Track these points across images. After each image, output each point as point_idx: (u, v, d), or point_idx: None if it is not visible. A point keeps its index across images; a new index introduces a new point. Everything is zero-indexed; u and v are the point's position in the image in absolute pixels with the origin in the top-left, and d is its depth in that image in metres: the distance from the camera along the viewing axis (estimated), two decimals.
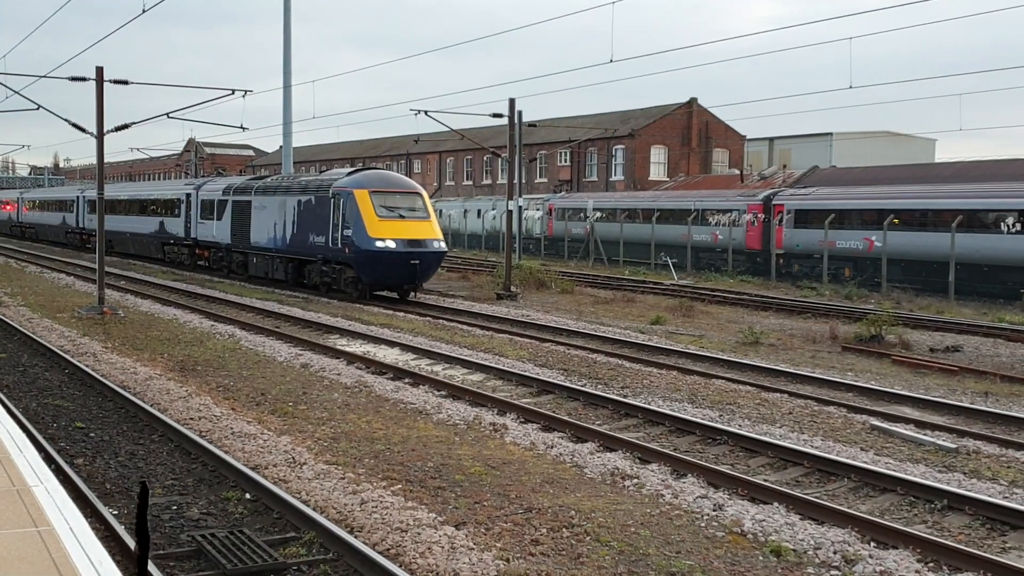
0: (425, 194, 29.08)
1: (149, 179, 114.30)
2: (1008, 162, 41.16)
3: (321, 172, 32.58)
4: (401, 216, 27.48)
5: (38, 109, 26.08)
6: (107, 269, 27.40)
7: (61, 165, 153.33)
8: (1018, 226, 30.26)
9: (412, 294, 28.38)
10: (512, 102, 32.41)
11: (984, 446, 11.93)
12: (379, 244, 26.72)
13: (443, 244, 28.32)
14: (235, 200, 34.96)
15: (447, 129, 33.16)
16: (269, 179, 34.92)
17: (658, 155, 67.40)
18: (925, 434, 12.45)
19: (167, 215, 41.86)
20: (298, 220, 30.29)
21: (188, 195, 39.42)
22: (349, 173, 29.42)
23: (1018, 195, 31.04)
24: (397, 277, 27.51)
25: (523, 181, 57.82)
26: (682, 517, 9.13)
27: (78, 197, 55.01)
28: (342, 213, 27.71)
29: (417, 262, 27.10)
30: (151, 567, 6.93)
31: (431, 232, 27.82)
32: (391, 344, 19.65)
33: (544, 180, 71.48)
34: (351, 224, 27.29)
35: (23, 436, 7.55)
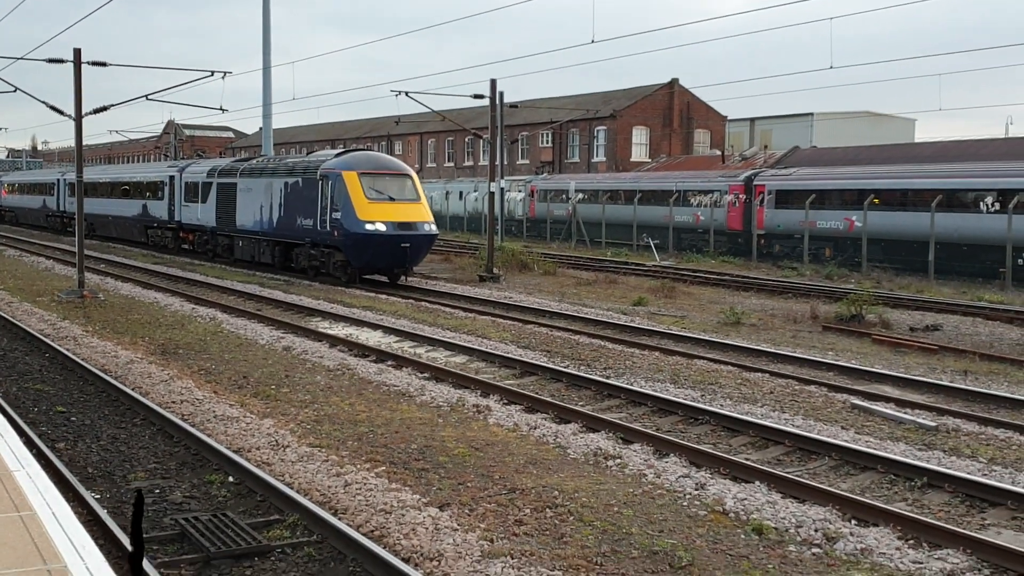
0: (415, 176, 28.60)
1: (129, 161, 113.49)
2: (987, 142, 41.38)
3: (308, 154, 32.19)
4: (391, 198, 26.99)
5: (15, 91, 25.85)
6: (87, 252, 27.25)
7: (39, 148, 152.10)
8: (997, 205, 30.43)
9: (402, 278, 28.00)
10: (493, 83, 32.33)
11: (964, 424, 12.03)
12: (369, 227, 26.21)
13: (434, 227, 27.84)
14: (220, 182, 34.34)
15: (428, 110, 33.06)
16: (255, 161, 34.31)
17: (640, 136, 67.38)
18: (905, 413, 12.54)
19: (150, 198, 41.22)
20: (285, 203, 29.77)
21: (172, 177, 38.75)
22: (338, 155, 28.88)
23: (997, 175, 31.21)
24: (387, 260, 27.04)
25: (505, 163, 57.68)
26: (664, 496, 9.18)
27: (59, 180, 54.28)
28: (330, 195, 27.20)
29: (408, 245, 26.64)
30: (146, 566, 6.92)
31: (422, 214, 27.34)
32: (374, 327, 19.63)
33: (526, 162, 71.39)
34: (340, 206, 26.78)
35: (3, 421, 7.51)
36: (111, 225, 46.94)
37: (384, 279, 28.15)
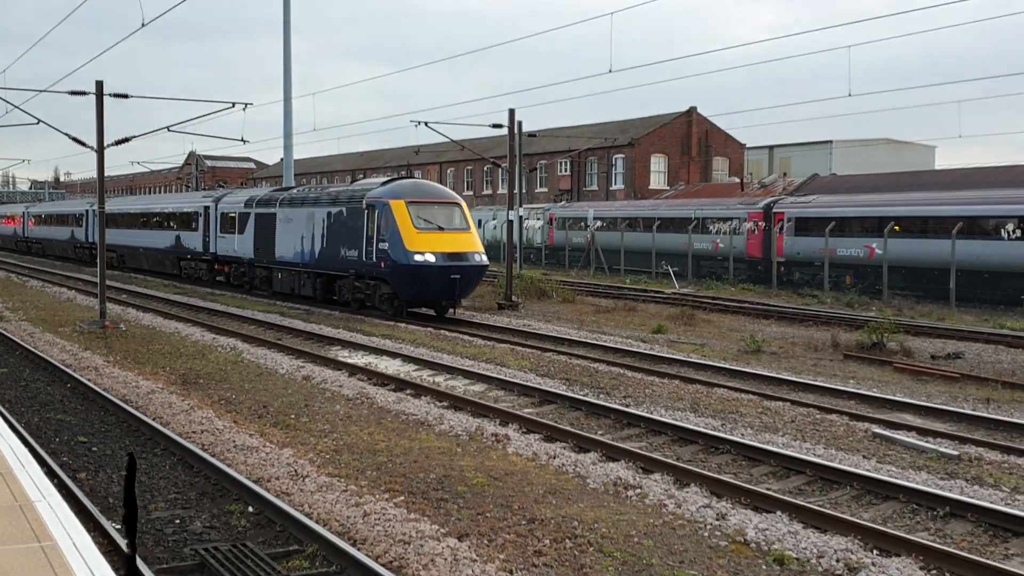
0: (464, 204, 27.44)
1: (151, 192, 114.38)
2: (1008, 168, 41.19)
3: (351, 182, 31.05)
4: (440, 228, 25.90)
5: (38, 123, 26.15)
6: (108, 283, 27.43)
7: (61, 179, 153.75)
8: (1018, 232, 30.26)
9: (450, 311, 26.86)
10: (512, 112, 32.47)
11: (986, 453, 11.92)
12: (418, 258, 25.04)
13: (484, 258, 26.57)
14: (258, 213, 33.27)
15: (447, 140, 33.22)
16: (295, 190, 33.24)
17: (658, 164, 67.46)
18: (927, 441, 12.44)
19: (184, 229, 40.27)
20: (328, 233, 28.67)
21: (207, 208, 37.83)
22: (384, 183, 27.69)
23: (1018, 202, 31.05)
24: (436, 293, 25.88)
25: (523, 191, 57.89)
26: (685, 527, 9.13)
27: (87, 211, 53.25)
28: (377, 225, 26.15)
29: (458, 277, 25.51)
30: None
31: (472, 245, 26.20)
32: (392, 355, 19.65)
33: (544, 190, 71.54)
34: (387, 237, 25.69)
35: (25, 451, 7.56)
36: (142, 257, 46.10)
37: (431, 312, 27.09)
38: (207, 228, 37.84)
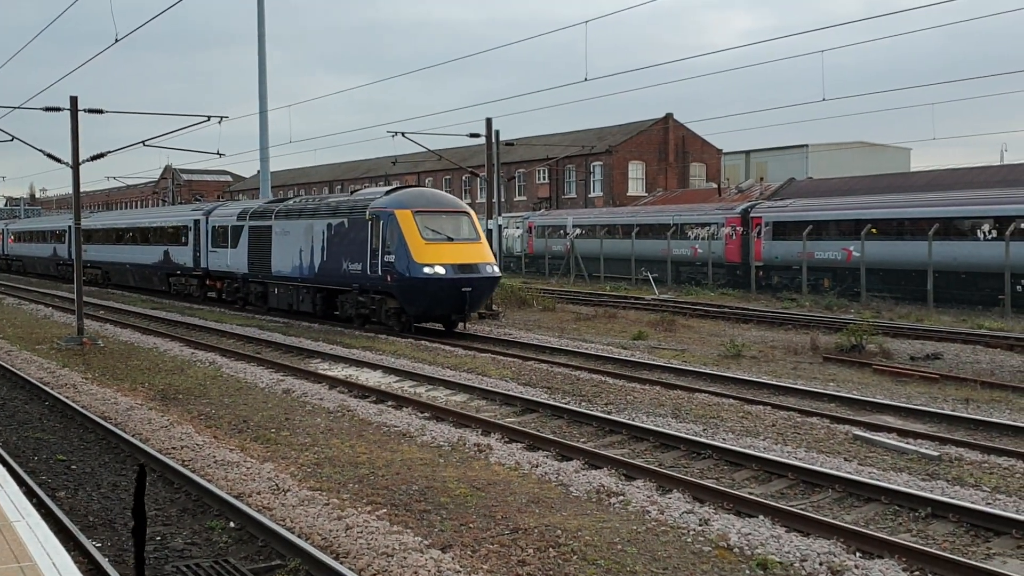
0: (472, 213, 26.22)
1: (128, 207, 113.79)
2: (982, 169, 41.58)
3: (352, 192, 29.50)
4: (449, 238, 24.63)
5: (12, 140, 25.98)
6: (86, 299, 27.25)
7: (37, 195, 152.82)
8: (994, 233, 30.51)
9: (461, 325, 25.65)
10: (489, 122, 32.54)
11: (966, 453, 11.99)
12: (427, 271, 23.76)
13: (496, 269, 25.38)
14: (253, 225, 31.87)
15: (425, 150, 33.22)
16: (292, 201, 31.85)
17: (636, 171, 67.65)
18: (908, 443, 12.50)
19: (172, 244, 38.93)
20: (328, 246, 27.36)
21: (197, 221, 36.48)
22: (388, 192, 26.46)
23: (993, 202, 31.32)
24: (446, 307, 24.61)
25: (502, 200, 57.88)
26: (668, 533, 9.13)
27: (70, 227, 52.38)
28: (382, 237, 24.82)
29: (469, 289, 24.18)
30: None
31: (483, 256, 24.92)
32: (373, 367, 19.60)
33: (523, 198, 71.62)
34: (393, 249, 24.37)
35: (3, 470, 7.49)
36: (128, 273, 44.64)
37: (439, 327, 26.00)
38: (197, 242, 36.53)
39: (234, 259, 33.29)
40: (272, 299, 30.99)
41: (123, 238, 45.43)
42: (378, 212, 25.27)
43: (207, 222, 35.73)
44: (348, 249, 26.40)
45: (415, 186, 28.94)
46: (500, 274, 25.85)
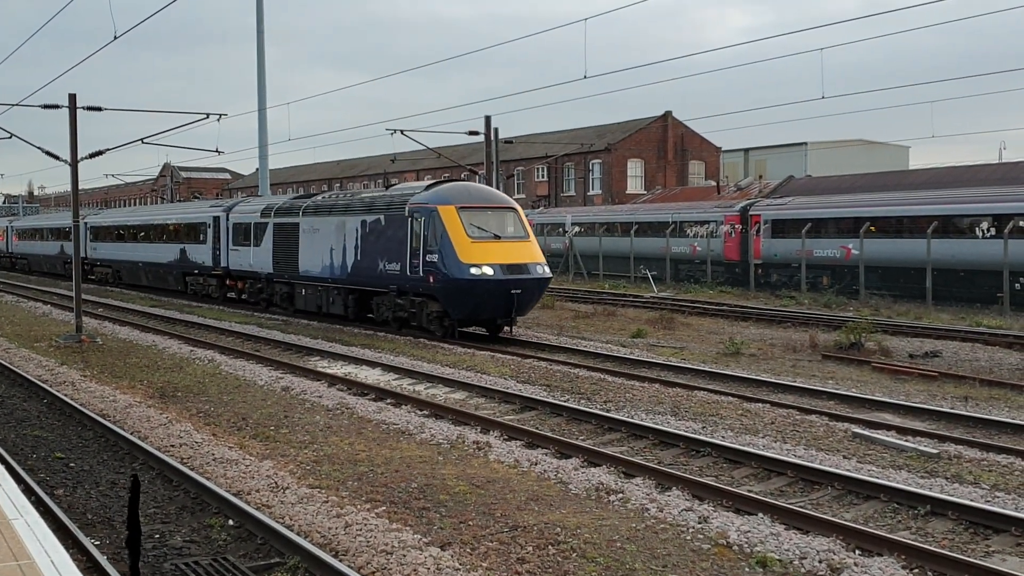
0: (519, 209, 24.56)
1: (126, 204, 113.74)
2: (981, 167, 41.57)
3: (387, 187, 27.88)
4: (496, 236, 23.11)
5: (10, 138, 25.96)
6: (85, 297, 27.23)
7: (36, 193, 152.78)
8: (992, 231, 30.51)
9: (507, 330, 23.77)
10: (488, 119, 32.53)
11: (965, 450, 11.99)
12: (474, 271, 22.24)
13: (547, 269, 23.75)
14: (278, 223, 30.21)
15: (424, 147, 33.21)
16: (321, 197, 30.08)
17: (635, 168, 67.66)
18: (907, 440, 12.50)
19: (190, 241, 37.25)
20: (363, 244, 25.76)
21: (216, 218, 34.87)
22: (428, 186, 24.86)
23: (992, 200, 31.31)
24: (493, 310, 22.98)
25: None
26: (668, 531, 9.12)
27: (79, 224, 50.75)
28: (423, 235, 23.33)
29: (519, 292, 22.63)
30: None
31: (533, 255, 23.38)
32: (372, 364, 19.58)
33: (522, 196, 71.62)
34: (437, 248, 22.87)
35: (1, 468, 7.48)
36: (141, 272, 42.93)
37: (483, 332, 24.51)
38: (217, 240, 34.86)
39: (257, 258, 31.63)
40: (299, 300, 29.45)
41: (136, 236, 43.79)
42: (419, 208, 23.79)
43: (228, 219, 34.21)
44: (385, 248, 24.91)
45: (457, 179, 26.83)
46: (551, 275, 24.30)
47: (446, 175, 77.59)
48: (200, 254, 36.42)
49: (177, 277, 39.11)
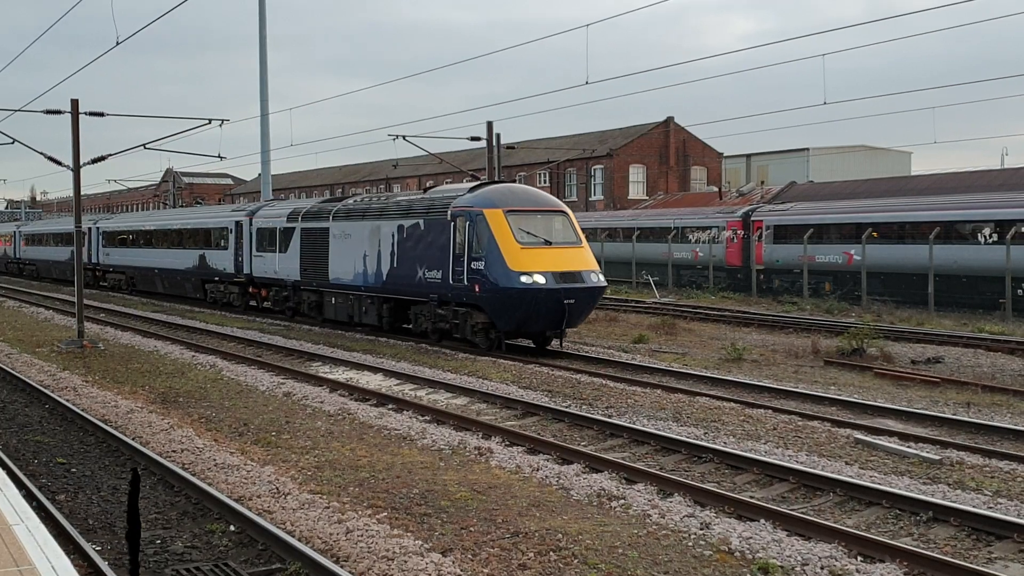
0: (570, 212, 23.13)
1: (128, 210, 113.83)
2: (983, 173, 41.59)
3: (426, 190, 26.21)
4: (546, 242, 21.71)
5: (13, 143, 25.98)
6: (86, 302, 27.23)
7: (38, 198, 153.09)
8: (995, 237, 30.50)
9: (557, 342, 22.46)
10: (490, 125, 32.56)
11: (968, 457, 11.97)
12: (524, 280, 20.79)
13: (602, 277, 22.34)
14: (305, 228, 28.74)
15: (426, 153, 33.21)
16: (353, 200, 28.38)
17: (637, 174, 67.67)
18: (909, 446, 12.48)
19: (209, 247, 35.71)
20: (399, 250, 24.25)
21: (238, 223, 33.44)
22: (471, 188, 23.25)
23: (994, 206, 31.31)
24: (543, 322, 21.51)
25: None
26: (669, 537, 9.11)
27: (91, 228, 48.19)
28: (468, 240, 21.85)
29: (572, 301, 21.19)
30: None
31: (586, 262, 21.97)
32: (374, 370, 19.58)
33: None
34: (483, 255, 21.41)
35: (2, 473, 7.48)
36: (157, 279, 41.29)
37: (530, 344, 23.04)
38: (239, 246, 33.34)
39: (283, 265, 30.09)
40: (328, 309, 27.97)
41: (151, 241, 42.15)
42: (462, 212, 22.30)
43: (251, 224, 32.67)
44: (424, 254, 23.36)
45: (503, 181, 25.38)
46: (606, 284, 22.79)
47: (448, 181, 77.70)
48: (221, 260, 34.86)
49: (196, 284, 37.55)
